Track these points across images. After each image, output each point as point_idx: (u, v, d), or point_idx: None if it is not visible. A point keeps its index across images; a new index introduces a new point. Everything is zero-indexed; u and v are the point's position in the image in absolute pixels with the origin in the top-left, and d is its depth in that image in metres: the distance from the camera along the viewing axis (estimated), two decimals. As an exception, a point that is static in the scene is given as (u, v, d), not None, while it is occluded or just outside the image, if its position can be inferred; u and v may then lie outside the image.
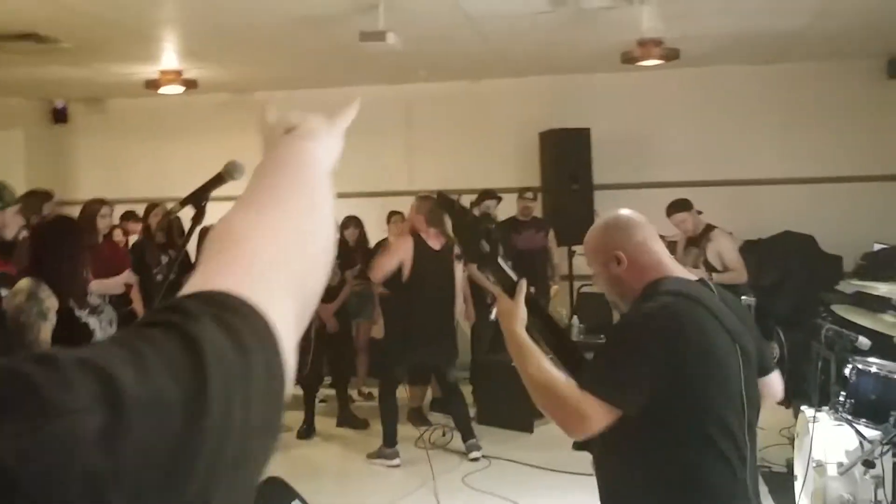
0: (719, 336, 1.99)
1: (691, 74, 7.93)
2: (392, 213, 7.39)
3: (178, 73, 7.69)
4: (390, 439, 5.82)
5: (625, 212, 2.25)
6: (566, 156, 7.94)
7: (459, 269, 6.06)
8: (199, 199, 2.21)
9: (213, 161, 8.02)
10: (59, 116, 9.36)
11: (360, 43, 5.70)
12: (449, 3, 5.75)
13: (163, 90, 7.76)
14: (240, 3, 5.67)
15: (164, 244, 6.63)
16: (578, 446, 2.33)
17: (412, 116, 8.78)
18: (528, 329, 2.09)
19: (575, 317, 7.71)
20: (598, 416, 1.89)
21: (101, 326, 3.67)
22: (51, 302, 3.44)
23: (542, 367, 1.98)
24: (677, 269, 2.18)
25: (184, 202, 2.20)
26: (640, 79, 8.01)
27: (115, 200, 8.17)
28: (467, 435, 5.87)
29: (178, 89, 7.83)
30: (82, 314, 3.59)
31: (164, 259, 6.58)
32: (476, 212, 6.89)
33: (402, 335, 5.90)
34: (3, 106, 8.91)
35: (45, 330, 3.42)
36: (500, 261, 2.14)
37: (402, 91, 8.65)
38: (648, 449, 2.01)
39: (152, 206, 6.73)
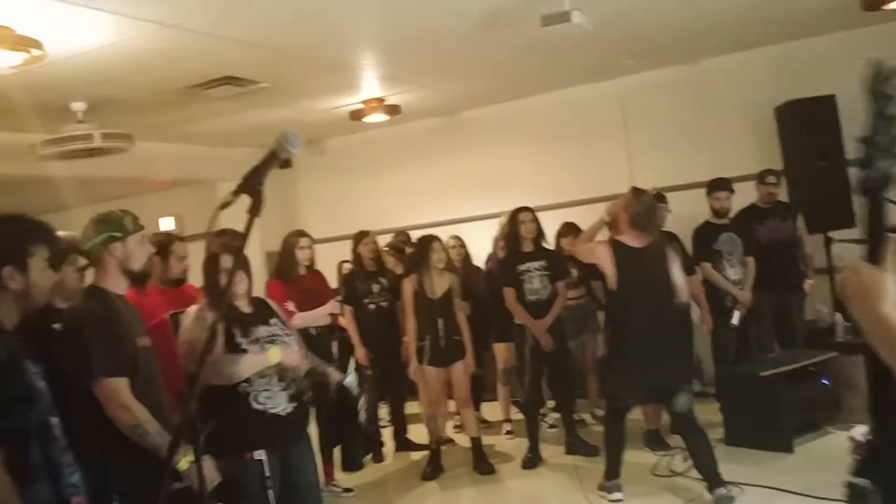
0: None
1: (957, 12, 6.53)
2: None
3: (380, 100, 7.61)
4: (611, 470, 5.00)
5: None
6: (810, 130, 6.85)
7: (678, 269, 5.18)
8: (254, 184, 1.82)
9: (428, 187, 7.90)
10: (284, 162, 9.65)
11: (543, 33, 5.19)
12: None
13: (367, 119, 7.71)
14: (418, 11, 5.37)
15: (374, 272, 6.47)
16: (859, 472, 1.65)
17: (628, 112, 8.09)
18: None
19: (838, 314, 6.61)
20: None
21: None
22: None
23: None
24: None
25: (237, 191, 1.82)
26: (890, 29, 6.78)
27: (340, 237, 8.30)
28: (714, 482, 4.73)
29: (382, 117, 7.74)
30: (242, 341, 3.45)
31: (376, 287, 6.42)
32: None
33: (622, 354, 4.92)
34: (231, 157, 9.30)
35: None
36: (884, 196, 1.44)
37: (615, 86, 8.01)
38: None
39: (361, 234, 6.58)
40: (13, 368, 2.12)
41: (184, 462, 2.83)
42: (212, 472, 3.02)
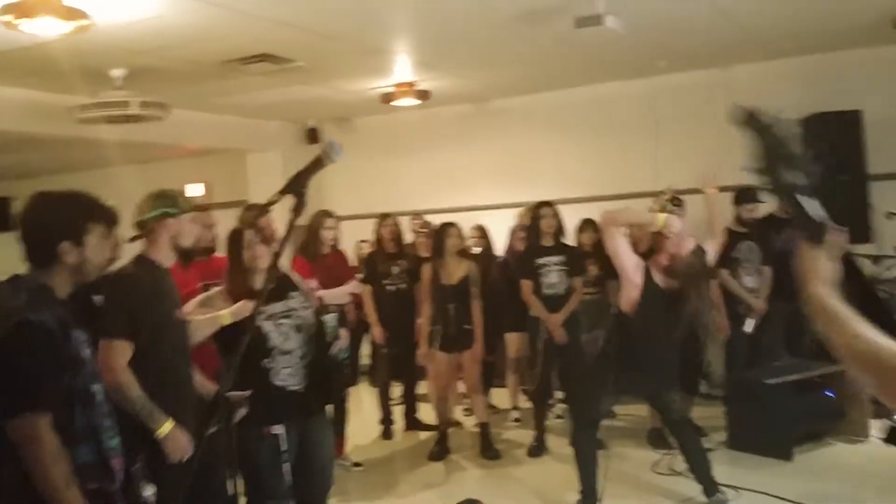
0: None
1: None
2: None
3: (411, 85, 7.72)
4: (589, 496, 4.76)
5: None
6: (834, 143, 6.92)
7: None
8: (298, 187, 1.96)
9: (453, 172, 7.97)
10: (313, 137, 9.82)
11: (577, 30, 5.30)
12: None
13: (397, 103, 7.83)
14: (454, 1, 5.47)
15: (394, 254, 6.62)
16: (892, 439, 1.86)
17: (656, 112, 8.17)
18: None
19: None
20: None
21: (282, 331, 3.61)
22: (224, 306, 3.49)
23: (859, 332, 1.56)
24: None
25: (283, 191, 1.96)
26: (922, 48, 6.83)
27: (364, 215, 8.45)
28: (708, 486, 4.77)
29: (412, 102, 7.86)
30: (257, 318, 3.56)
31: (395, 269, 6.58)
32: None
33: (611, 356, 4.67)
34: (264, 129, 9.49)
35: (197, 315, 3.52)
36: (800, 197, 1.71)
37: (644, 85, 8.09)
38: None
39: (383, 216, 6.74)
40: (62, 337, 2.28)
41: (164, 428, 3.00)
42: (185, 443, 3.09)
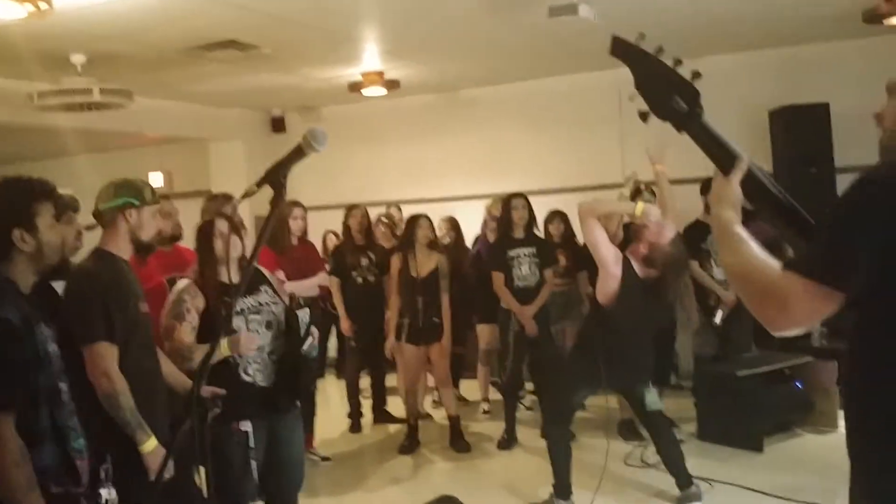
0: None
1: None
2: None
3: (380, 74, 7.61)
4: (562, 487, 4.71)
5: None
6: (801, 136, 6.97)
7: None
8: (277, 177, 1.86)
9: (422, 163, 7.88)
10: (278, 126, 9.66)
11: (550, 20, 5.25)
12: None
13: (366, 92, 7.72)
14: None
15: (362, 246, 6.52)
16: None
17: (624, 103, 8.12)
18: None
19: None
20: (801, 297, 1.55)
21: (251, 328, 3.49)
22: (196, 303, 3.37)
23: (743, 251, 1.68)
24: None
25: (261, 182, 1.86)
26: (889, 42, 6.86)
27: (332, 206, 8.33)
28: (682, 479, 4.74)
29: (380, 91, 7.76)
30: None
31: (364, 261, 6.48)
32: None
33: (589, 351, 4.53)
34: (226, 117, 9.31)
35: (183, 330, 3.39)
36: (708, 124, 1.74)
37: (613, 76, 8.00)
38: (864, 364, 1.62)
39: (351, 207, 6.63)
40: (27, 333, 2.16)
41: (148, 444, 2.87)
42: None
